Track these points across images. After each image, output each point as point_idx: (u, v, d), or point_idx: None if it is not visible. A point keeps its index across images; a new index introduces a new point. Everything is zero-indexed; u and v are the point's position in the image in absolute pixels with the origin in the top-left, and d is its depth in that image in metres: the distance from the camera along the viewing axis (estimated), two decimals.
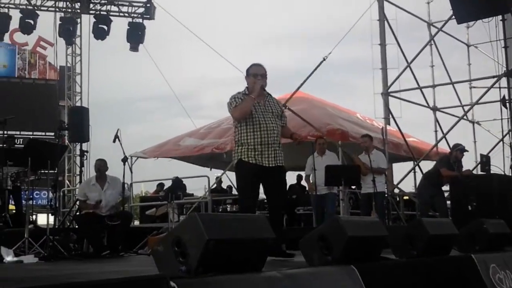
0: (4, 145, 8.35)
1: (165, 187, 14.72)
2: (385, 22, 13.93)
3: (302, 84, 13.27)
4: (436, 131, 15.20)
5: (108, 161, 8.54)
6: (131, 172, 10.76)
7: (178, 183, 13.16)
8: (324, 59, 12.75)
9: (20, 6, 16.38)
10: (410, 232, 5.21)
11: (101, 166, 8.35)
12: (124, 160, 8.49)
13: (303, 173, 11.12)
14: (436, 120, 15.16)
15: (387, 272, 4.36)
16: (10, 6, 16.30)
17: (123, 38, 17.11)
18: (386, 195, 10.52)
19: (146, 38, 17.14)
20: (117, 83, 74.84)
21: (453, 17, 13.25)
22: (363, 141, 9.90)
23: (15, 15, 15.96)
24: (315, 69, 12.89)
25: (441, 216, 9.78)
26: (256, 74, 5.82)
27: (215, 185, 14.11)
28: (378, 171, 9.49)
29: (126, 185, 8.68)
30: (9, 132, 9.69)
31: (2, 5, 16.23)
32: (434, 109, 15.10)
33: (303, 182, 14.83)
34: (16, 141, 12.16)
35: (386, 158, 10.78)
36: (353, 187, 11.12)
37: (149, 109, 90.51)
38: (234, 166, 5.90)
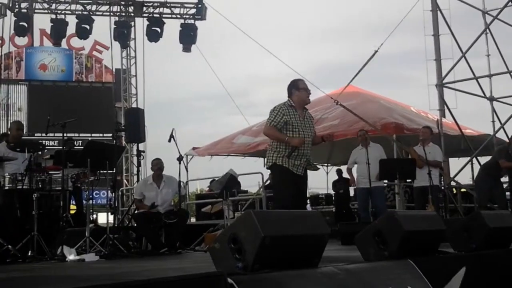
0: (64, 148, 8.57)
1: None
2: (438, 12, 13.65)
3: (353, 78, 13.17)
4: (493, 121, 14.75)
5: (164, 161, 8.71)
6: (187, 170, 10.97)
7: (232, 180, 13.28)
8: (376, 51, 12.61)
9: (76, 12, 16.79)
10: (469, 225, 5.12)
11: (161, 164, 8.55)
12: (180, 159, 8.62)
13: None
14: (494, 110, 14.72)
15: (445, 265, 4.31)
16: (67, 12, 16.73)
17: (176, 40, 17.32)
18: (442, 187, 10.32)
19: (198, 38, 17.32)
20: (171, 83, 75.80)
21: (509, 4, 12.91)
22: (423, 131, 9.69)
23: (72, 21, 16.37)
24: (367, 62, 12.77)
25: (500, 208, 9.55)
26: (306, 88, 6.19)
27: (269, 181, 14.15)
28: (434, 164, 9.31)
29: (182, 183, 8.81)
30: (68, 135, 9.97)
31: (59, 11, 16.68)
32: (491, 99, 14.68)
33: (345, 175, 14.80)
34: (75, 143, 12.47)
35: (442, 151, 10.57)
36: (408, 180, 10.95)
37: (203, 108, 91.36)
38: (269, 170, 6.22)
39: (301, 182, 6.11)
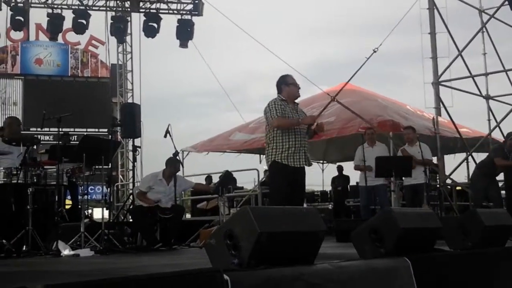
0: (60, 142, 8.53)
1: (213, 180, 14.84)
2: (435, 10, 13.63)
3: (351, 77, 13.15)
4: (489, 120, 14.76)
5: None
6: (182, 166, 10.90)
7: (228, 177, 13.28)
8: (374, 51, 12.55)
9: (73, 7, 16.73)
10: (465, 223, 5.12)
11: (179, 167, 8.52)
12: (175, 154, 8.60)
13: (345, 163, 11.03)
14: (489, 109, 14.73)
15: (441, 264, 4.31)
16: (63, 7, 16.68)
17: (173, 35, 17.28)
18: (438, 185, 10.33)
19: (195, 34, 17.28)
20: (167, 79, 75.66)
21: (506, 3, 12.90)
22: (406, 133, 9.79)
23: (68, 15, 16.31)
24: (365, 62, 12.72)
25: (495, 207, 9.57)
26: (295, 83, 6.26)
27: (265, 178, 14.14)
28: (428, 162, 9.37)
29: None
30: (64, 130, 9.91)
31: (55, 6, 16.62)
32: (487, 97, 14.68)
33: (345, 172, 14.85)
34: (70, 138, 12.44)
35: (438, 150, 10.60)
36: (404, 178, 10.97)
37: (199, 104, 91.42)
38: (268, 167, 6.23)
39: (300, 177, 6.12)
